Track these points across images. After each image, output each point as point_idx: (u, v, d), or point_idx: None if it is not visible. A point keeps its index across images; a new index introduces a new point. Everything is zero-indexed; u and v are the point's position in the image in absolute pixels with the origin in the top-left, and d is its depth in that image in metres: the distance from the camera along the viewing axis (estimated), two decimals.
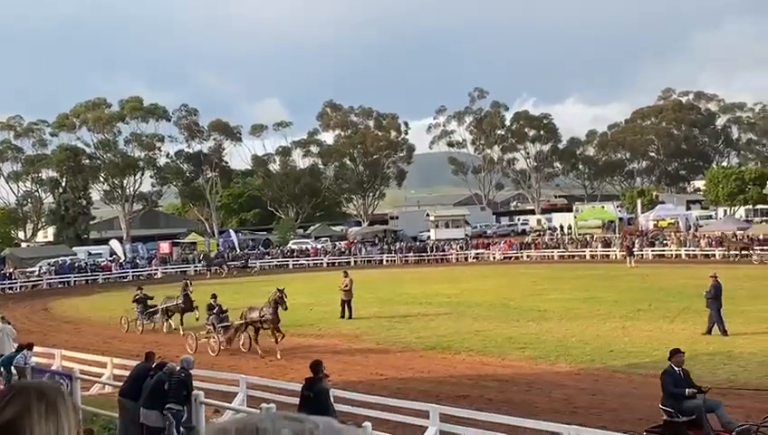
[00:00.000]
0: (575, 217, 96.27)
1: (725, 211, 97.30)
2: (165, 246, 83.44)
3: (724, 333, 26.05)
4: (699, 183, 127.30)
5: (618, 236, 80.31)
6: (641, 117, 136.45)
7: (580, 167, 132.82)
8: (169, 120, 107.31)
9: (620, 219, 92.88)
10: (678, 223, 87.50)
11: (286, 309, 27.28)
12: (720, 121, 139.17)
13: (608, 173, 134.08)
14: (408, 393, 18.99)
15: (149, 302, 34.89)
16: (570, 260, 72.68)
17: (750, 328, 27.18)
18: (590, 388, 19.99)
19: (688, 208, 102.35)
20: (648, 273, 52.20)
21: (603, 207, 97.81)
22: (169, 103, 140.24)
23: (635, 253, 64.85)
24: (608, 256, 72.29)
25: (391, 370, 23.44)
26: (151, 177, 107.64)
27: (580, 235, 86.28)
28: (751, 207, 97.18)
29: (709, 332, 26.40)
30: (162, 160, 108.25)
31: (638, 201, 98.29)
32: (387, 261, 78.81)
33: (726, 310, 27.17)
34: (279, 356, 26.00)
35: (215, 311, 28.73)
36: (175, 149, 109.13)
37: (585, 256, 74.29)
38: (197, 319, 31.64)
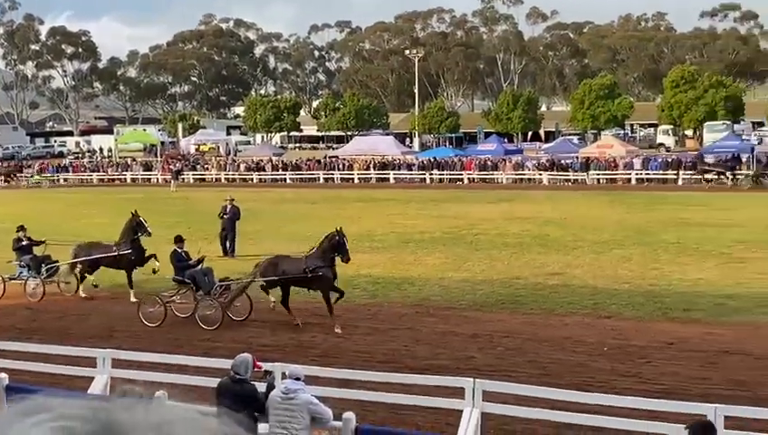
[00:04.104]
0: (116, 140, 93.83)
1: (263, 137, 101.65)
2: None
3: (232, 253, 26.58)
4: (239, 109, 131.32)
5: (159, 160, 79.87)
6: (183, 41, 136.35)
7: (122, 88, 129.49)
8: None
9: (162, 143, 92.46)
10: (219, 148, 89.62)
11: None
12: (258, 50, 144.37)
13: (150, 96, 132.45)
14: None
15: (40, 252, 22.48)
16: (110, 184, 70.74)
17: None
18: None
19: (228, 134, 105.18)
20: (189, 196, 52.71)
21: (145, 130, 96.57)
22: None
23: (180, 177, 65.10)
24: (149, 179, 71.68)
25: None
26: None
27: (121, 158, 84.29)
28: (286, 134, 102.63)
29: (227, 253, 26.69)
30: None
31: (180, 125, 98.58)
32: None
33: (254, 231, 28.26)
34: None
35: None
36: None
37: (126, 179, 72.81)
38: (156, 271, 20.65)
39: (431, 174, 65.14)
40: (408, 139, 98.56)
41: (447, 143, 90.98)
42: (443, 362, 14.88)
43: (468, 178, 63.16)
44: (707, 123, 79.32)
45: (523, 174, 62.41)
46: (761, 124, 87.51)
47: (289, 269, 17.68)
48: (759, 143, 64.06)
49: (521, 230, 32.87)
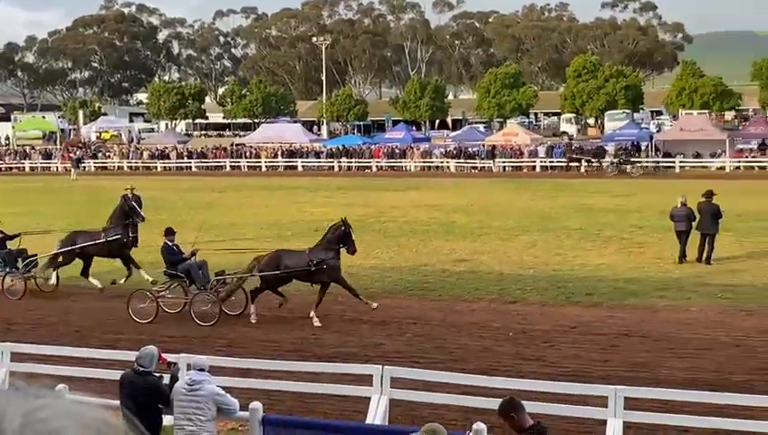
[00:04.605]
0: (13, 128, 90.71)
1: (167, 125, 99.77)
2: None
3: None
4: (142, 96, 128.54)
5: (59, 148, 77.55)
6: (83, 25, 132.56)
7: (19, 74, 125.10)
8: None
9: (62, 130, 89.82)
10: (121, 135, 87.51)
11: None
12: (162, 36, 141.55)
13: (49, 82, 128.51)
14: None
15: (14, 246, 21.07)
16: (8, 173, 68.36)
17: None
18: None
19: (131, 121, 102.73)
20: (91, 185, 51.35)
21: (44, 117, 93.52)
22: None
23: (81, 165, 63.37)
24: (49, 168, 69.54)
25: None
26: None
27: (19, 146, 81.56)
28: (191, 121, 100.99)
29: None
30: None
31: (81, 112, 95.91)
32: None
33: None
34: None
35: None
36: None
37: (24, 168, 70.49)
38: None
39: (339, 162, 65.08)
40: (315, 126, 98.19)
41: (355, 131, 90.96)
42: (351, 349, 14.87)
43: (376, 166, 63.33)
44: (608, 112, 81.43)
45: (431, 162, 62.94)
46: (659, 113, 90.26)
47: (292, 264, 17.09)
48: (658, 131, 66.02)
49: (428, 218, 33.12)
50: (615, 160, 54.92)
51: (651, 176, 51.90)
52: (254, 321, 16.72)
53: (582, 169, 55.93)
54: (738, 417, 10.04)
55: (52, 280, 20.21)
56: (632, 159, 55.16)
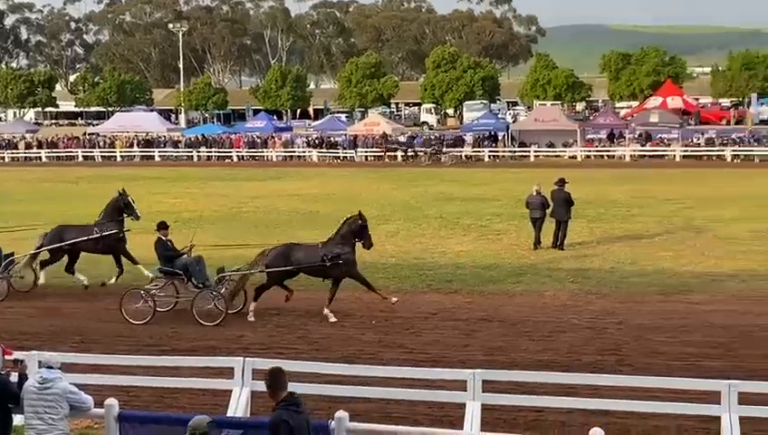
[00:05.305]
0: None
1: (15, 113, 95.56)
2: None
3: None
4: None
5: None
6: None
7: None
8: None
9: None
10: None
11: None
12: (9, 21, 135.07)
13: None
14: None
15: None
16: None
17: None
18: None
19: None
20: None
21: None
22: None
23: None
24: None
25: None
26: None
27: None
28: (40, 109, 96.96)
29: None
30: None
31: None
32: None
33: None
34: None
35: None
36: None
37: None
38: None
39: (198, 152, 63.86)
40: (173, 115, 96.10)
41: (215, 120, 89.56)
42: (212, 342, 14.62)
43: (237, 156, 62.54)
44: (466, 102, 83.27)
45: (293, 151, 62.64)
46: (515, 104, 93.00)
47: (304, 258, 16.30)
48: (513, 121, 68.00)
49: (290, 208, 32.97)
50: (429, 151, 56.99)
51: (465, 165, 54.15)
52: (251, 319, 16.00)
53: (399, 159, 57.73)
54: (587, 396, 10.47)
55: (27, 280, 18.87)
56: (443, 150, 57.58)
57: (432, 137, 62.35)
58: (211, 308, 16.03)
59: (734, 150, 53.39)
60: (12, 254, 18.93)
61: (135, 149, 65.64)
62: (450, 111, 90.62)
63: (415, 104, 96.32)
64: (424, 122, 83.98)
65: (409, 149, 58.27)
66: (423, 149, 57.74)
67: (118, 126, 71.03)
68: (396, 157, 58.16)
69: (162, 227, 16.86)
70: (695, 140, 56.52)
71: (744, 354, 13.39)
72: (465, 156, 58.23)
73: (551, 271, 20.25)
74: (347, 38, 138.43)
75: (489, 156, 57.71)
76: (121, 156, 64.51)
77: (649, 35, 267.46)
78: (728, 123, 68.94)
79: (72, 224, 20.00)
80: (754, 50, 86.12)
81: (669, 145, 55.85)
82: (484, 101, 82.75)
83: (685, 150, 54.44)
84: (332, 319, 15.87)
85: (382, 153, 58.72)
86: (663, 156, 54.61)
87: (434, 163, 54.96)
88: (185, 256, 16.65)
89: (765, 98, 76.79)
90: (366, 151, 60.43)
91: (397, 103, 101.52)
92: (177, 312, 16.39)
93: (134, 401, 11.07)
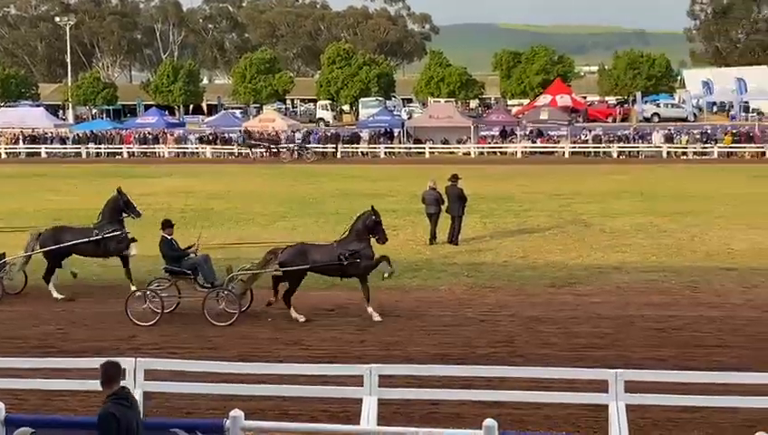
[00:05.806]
0: None
1: None
2: None
3: None
4: None
5: None
6: None
7: None
8: None
9: None
10: None
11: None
12: None
13: None
14: None
15: None
16: None
17: None
18: None
19: None
20: None
21: None
22: None
23: None
24: None
25: None
26: None
27: None
28: None
29: None
30: None
31: None
32: None
33: None
34: None
35: None
36: None
37: None
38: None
39: (87, 148, 62.08)
40: (60, 111, 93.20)
41: (104, 116, 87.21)
42: (102, 343, 14.25)
43: (128, 153, 61.12)
44: (362, 99, 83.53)
45: (186, 148, 61.60)
46: (410, 100, 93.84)
47: (321, 258, 15.88)
48: (409, 118, 68.57)
49: (184, 205, 32.39)
50: (293, 147, 57.42)
51: (328, 161, 54.76)
52: (303, 319, 15.60)
53: (259, 155, 57.94)
54: (481, 388, 10.66)
55: (17, 282, 17.89)
56: (306, 147, 57.91)
57: (328, 133, 62.48)
58: (222, 309, 15.70)
59: (620, 147, 55.30)
60: (3, 254, 18.00)
61: (20, 145, 63.42)
62: (346, 108, 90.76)
63: (310, 100, 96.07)
64: (320, 119, 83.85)
65: (273, 146, 58.30)
66: (285, 146, 57.81)
67: (2, 122, 68.33)
68: (256, 153, 58.06)
69: (167, 225, 16.42)
70: (582, 137, 58.24)
71: (629, 344, 13.90)
72: (362, 152, 58.52)
73: (446, 266, 20.54)
74: (241, 33, 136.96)
75: (385, 152, 58.13)
76: (6, 153, 62.26)
77: (539, 35, 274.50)
78: (614, 121, 71.32)
79: (69, 225, 19.21)
80: (639, 50, 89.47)
81: (558, 142, 57.38)
82: (380, 98, 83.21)
83: (573, 147, 56.04)
84: (377, 317, 15.58)
85: (245, 150, 58.77)
86: (553, 152, 56.13)
87: (297, 159, 55.27)
88: (192, 255, 16.22)
89: (650, 96, 79.87)
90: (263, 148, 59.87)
91: (292, 99, 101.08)
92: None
93: (21, 405, 10.73)
